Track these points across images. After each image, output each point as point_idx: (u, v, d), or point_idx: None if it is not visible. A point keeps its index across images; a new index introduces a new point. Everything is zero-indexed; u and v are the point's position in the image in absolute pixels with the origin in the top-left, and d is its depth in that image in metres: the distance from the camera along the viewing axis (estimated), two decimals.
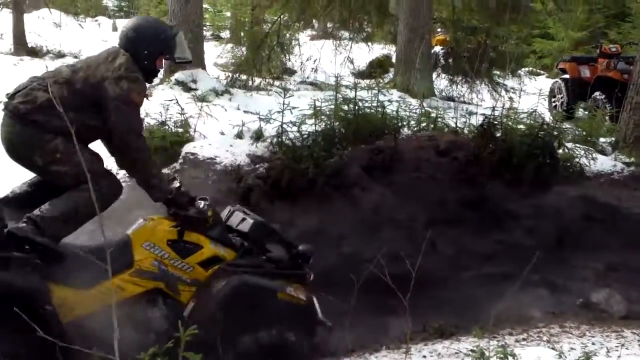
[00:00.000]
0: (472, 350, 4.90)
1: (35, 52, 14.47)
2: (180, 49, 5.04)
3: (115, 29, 23.21)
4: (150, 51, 4.86)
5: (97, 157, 4.89)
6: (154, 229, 4.82)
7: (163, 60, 5.01)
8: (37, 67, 12.40)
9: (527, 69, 19.34)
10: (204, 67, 12.40)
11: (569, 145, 8.78)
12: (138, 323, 4.48)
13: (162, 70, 5.46)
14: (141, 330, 4.48)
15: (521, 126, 8.48)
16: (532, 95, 11.62)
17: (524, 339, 5.66)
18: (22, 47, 14.60)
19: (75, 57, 15.01)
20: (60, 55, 14.72)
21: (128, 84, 4.66)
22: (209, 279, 4.82)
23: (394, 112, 8.61)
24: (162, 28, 5.03)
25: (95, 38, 19.87)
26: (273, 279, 5.00)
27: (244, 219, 5.18)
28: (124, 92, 4.62)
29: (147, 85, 5.09)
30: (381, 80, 15.48)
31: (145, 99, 5.09)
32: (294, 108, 8.05)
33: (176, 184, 4.93)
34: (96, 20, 24.46)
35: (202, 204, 4.94)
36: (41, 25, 18.87)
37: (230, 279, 4.82)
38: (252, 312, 4.76)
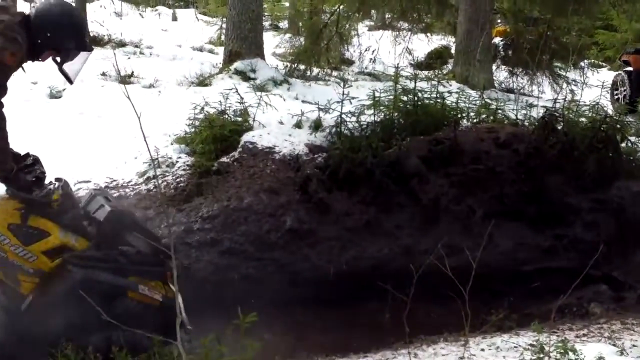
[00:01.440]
0: (531, 345, 4.86)
1: (96, 41, 14.58)
2: (75, 65, 4.61)
3: (175, 18, 23.41)
4: (51, 38, 4.38)
5: None
6: None
7: (50, 56, 4.48)
8: (98, 56, 12.61)
9: (588, 61, 18.99)
10: (262, 57, 12.43)
11: (632, 138, 8.62)
12: None
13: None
14: None
15: (583, 119, 8.35)
16: (594, 87, 11.42)
17: (584, 335, 5.58)
18: (87, 36, 14.78)
19: (136, 46, 15.19)
20: (121, 44, 14.86)
21: (3, 42, 4.12)
22: (53, 271, 4.30)
23: (454, 104, 8.55)
24: (79, 33, 4.56)
25: (155, 27, 20.07)
26: (126, 276, 4.45)
27: (102, 206, 4.59)
28: None
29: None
30: (440, 72, 15.35)
31: (20, 68, 4.43)
32: (353, 98, 8.03)
33: (29, 160, 4.46)
34: (156, 10, 24.66)
35: (55, 184, 4.46)
36: (103, 14, 19.10)
37: (74, 272, 4.28)
38: (96, 310, 3.88)
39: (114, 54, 11.63)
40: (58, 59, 4.50)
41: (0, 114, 4.20)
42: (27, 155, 4.52)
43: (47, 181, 4.51)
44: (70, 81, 4.75)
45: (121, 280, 4.42)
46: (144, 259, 4.53)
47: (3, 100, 4.20)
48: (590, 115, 8.40)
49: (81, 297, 3.91)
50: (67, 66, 4.57)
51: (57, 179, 4.51)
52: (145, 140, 3.22)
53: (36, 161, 4.50)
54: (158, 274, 4.52)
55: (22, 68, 4.40)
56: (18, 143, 4.51)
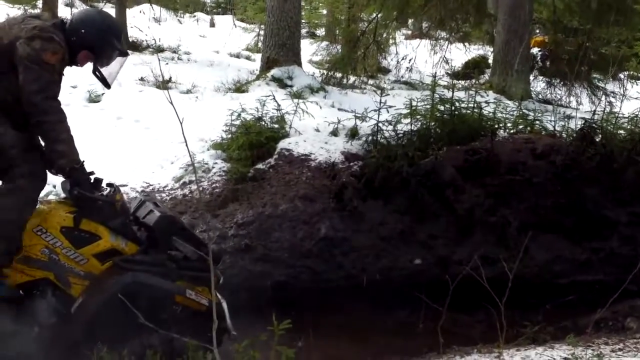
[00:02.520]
0: (566, 358, 4.81)
1: (135, 46, 14.73)
2: (111, 69, 4.68)
3: (212, 24, 23.58)
4: (87, 39, 4.45)
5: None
6: (47, 213, 4.35)
7: (86, 58, 4.55)
8: (137, 61, 12.74)
9: (628, 72, 18.79)
10: (300, 64, 12.48)
11: None
12: (21, 313, 4.16)
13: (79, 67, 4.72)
14: (24, 321, 4.15)
15: (621, 131, 8.25)
16: (633, 100, 11.30)
17: (620, 349, 5.50)
18: (123, 40, 14.93)
19: (174, 51, 15.32)
20: (159, 49, 15.00)
21: (41, 43, 4.21)
22: (103, 274, 4.34)
23: (491, 114, 8.50)
24: (114, 33, 4.60)
25: (193, 33, 20.24)
26: (173, 280, 4.47)
27: (151, 211, 4.62)
28: (35, 52, 4.18)
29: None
30: (477, 81, 15.29)
31: (77, 65, 4.61)
32: (389, 107, 8.03)
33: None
34: (194, 16, 24.85)
35: (108, 189, 4.50)
36: (142, 20, 19.30)
37: (123, 276, 4.32)
38: (144, 314, 4.06)
39: (159, 59, 11.77)
40: (94, 62, 4.56)
41: (60, 109, 4.29)
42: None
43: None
44: (108, 85, 4.83)
45: (169, 284, 4.44)
46: (191, 264, 4.54)
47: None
48: (629, 127, 8.31)
49: (129, 300, 4.00)
50: (104, 70, 4.64)
51: (109, 184, 4.55)
52: (186, 145, 3.26)
53: (84, 165, 4.48)
54: (205, 279, 4.38)
55: (104, 81, 4.59)
56: None
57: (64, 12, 14.45)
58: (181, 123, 2.96)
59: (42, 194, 5.41)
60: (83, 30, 4.43)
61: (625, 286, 4.97)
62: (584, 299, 6.81)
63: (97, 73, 4.65)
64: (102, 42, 4.50)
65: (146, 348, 4.19)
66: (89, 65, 4.61)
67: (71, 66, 4.57)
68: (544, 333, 5.82)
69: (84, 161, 4.36)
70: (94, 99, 9.98)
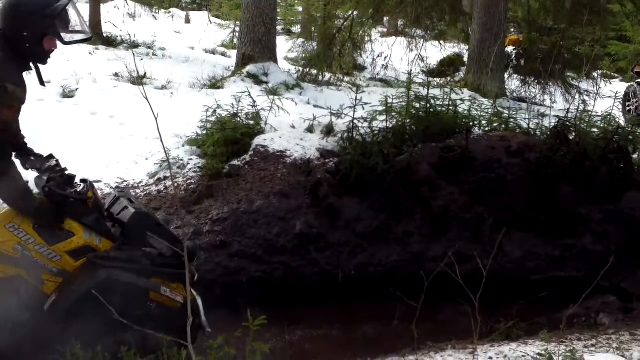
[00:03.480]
0: (539, 354, 4.83)
1: (110, 42, 14.66)
2: (73, 25, 4.28)
3: (188, 21, 23.53)
4: (33, 32, 4.04)
5: None
6: None
7: (51, 41, 4.15)
8: (111, 56, 12.66)
9: (601, 71, 18.95)
10: (275, 61, 12.48)
11: None
12: None
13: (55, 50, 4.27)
14: None
15: (595, 130, 8.33)
16: (606, 98, 11.40)
17: (592, 345, 5.54)
18: (97, 36, 14.78)
19: (149, 47, 15.24)
20: (134, 45, 14.93)
21: None
22: (77, 271, 4.25)
23: (466, 111, 8.55)
24: (45, 5, 4.06)
25: (168, 29, 20.17)
26: (148, 277, 4.41)
27: (126, 208, 4.58)
28: None
29: (42, 65, 4.24)
30: (452, 79, 15.36)
31: (40, 84, 4.26)
32: (365, 104, 8.04)
33: (52, 162, 4.43)
34: (170, 12, 24.78)
35: (81, 185, 4.42)
36: (116, 16, 19.21)
37: (97, 272, 4.25)
38: (118, 311, 3.94)
39: (134, 54, 11.71)
40: (58, 38, 4.18)
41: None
42: (51, 156, 4.51)
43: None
44: (90, 37, 4.55)
45: (144, 281, 4.39)
46: (166, 261, 4.49)
47: None
48: (602, 126, 8.39)
49: (103, 297, 3.92)
50: (69, 34, 4.28)
51: (83, 180, 4.48)
52: (161, 141, 3.23)
53: (58, 162, 4.49)
54: (180, 276, 4.40)
55: (41, 80, 4.28)
56: (31, 142, 4.53)
57: None
58: (156, 119, 2.94)
59: None
60: (24, 32, 4.04)
61: (598, 282, 5.00)
62: (557, 295, 6.86)
63: (68, 42, 4.31)
64: (46, 20, 4.05)
65: (120, 345, 4.15)
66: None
67: (47, 63, 4.28)
68: (517, 329, 5.86)
69: (57, 159, 4.34)
70: (67, 94, 9.90)
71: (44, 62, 4.23)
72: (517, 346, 5.40)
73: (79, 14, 4.38)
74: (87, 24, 4.52)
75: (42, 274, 4.21)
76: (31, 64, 4.19)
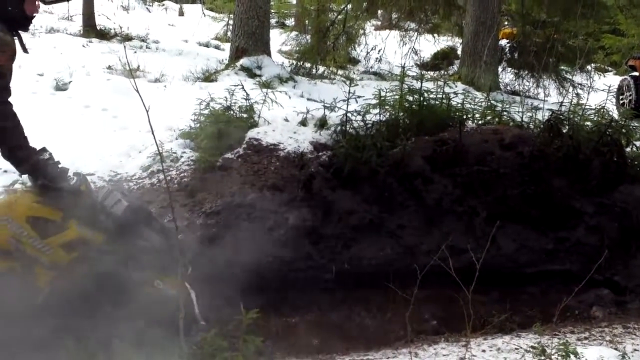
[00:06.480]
0: (532, 347, 4.84)
1: (103, 35, 14.63)
2: None
3: (181, 13, 23.47)
4: None
5: None
6: (13, 202, 4.34)
7: (33, 3, 4.19)
8: (105, 49, 12.63)
9: (595, 65, 18.98)
10: (269, 54, 12.46)
11: (638, 143, 8.60)
12: None
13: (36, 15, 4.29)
14: None
15: (588, 123, 8.33)
16: (600, 92, 11.42)
17: (585, 338, 5.57)
18: (91, 29, 14.78)
19: (142, 40, 15.21)
20: (127, 38, 14.90)
21: None
22: (70, 264, 4.26)
23: (459, 105, 8.55)
24: None
25: (161, 22, 20.12)
26: (141, 270, 4.44)
27: (119, 201, 4.57)
28: None
29: (24, 32, 4.29)
30: (446, 72, 15.37)
31: (23, 52, 4.26)
32: (358, 97, 8.03)
33: (46, 155, 4.37)
34: (163, 5, 24.71)
35: (74, 178, 4.44)
36: (110, 8, 19.15)
37: (90, 266, 4.27)
38: (111, 304, 4.12)
39: (126, 47, 11.69)
40: (38, 3, 4.24)
41: (13, 113, 4.15)
42: (44, 149, 4.46)
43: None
44: None
45: (137, 274, 4.40)
46: (159, 254, 4.51)
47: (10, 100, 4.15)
48: (595, 119, 8.40)
49: (97, 291, 3.99)
50: None
51: (76, 173, 4.49)
52: (153, 134, 3.22)
53: (51, 155, 4.45)
54: (173, 269, 4.44)
55: (24, 47, 4.25)
56: None
57: None
58: (147, 111, 2.93)
59: (7, 182, 5.35)
60: None
61: (591, 275, 5.02)
62: (550, 288, 6.88)
63: (49, 2, 4.41)
64: None
65: (114, 338, 4.15)
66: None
67: (28, 30, 4.31)
68: (510, 322, 5.87)
69: (49, 152, 4.32)
70: (60, 87, 9.86)
71: (26, 29, 4.24)
72: (510, 339, 5.42)
73: None
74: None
75: (35, 267, 4.19)
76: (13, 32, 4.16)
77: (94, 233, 4.40)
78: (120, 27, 15.30)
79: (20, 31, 4.24)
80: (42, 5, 4.33)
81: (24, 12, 4.11)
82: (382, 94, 8.14)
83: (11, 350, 4.06)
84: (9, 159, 4.23)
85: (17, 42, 4.17)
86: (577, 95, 13.76)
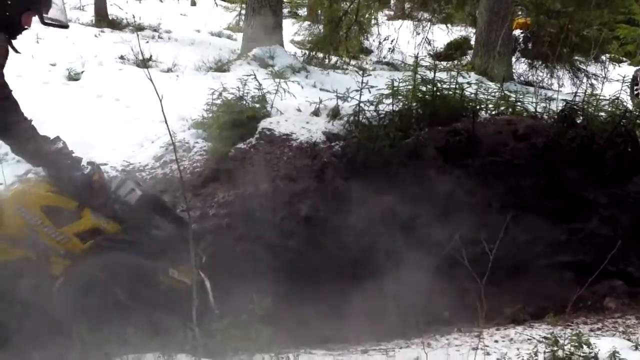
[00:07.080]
0: (545, 337, 4.84)
1: (115, 24, 14.61)
2: (55, 9, 4.35)
3: (193, 3, 23.44)
4: (17, 2, 4.16)
5: None
6: (28, 191, 4.39)
7: (29, 17, 4.24)
8: (117, 39, 12.63)
9: (609, 55, 18.86)
10: (281, 44, 12.43)
11: None
12: (3, 292, 4.14)
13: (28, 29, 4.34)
14: (6, 299, 4.14)
15: (602, 113, 8.28)
16: (614, 82, 11.34)
17: (598, 329, 5.57)
18: (103, 19, 14.78)
19: (155, 30, 15.21)
20: (139, 28, 14.88)
21: None
22: (85, 253, 4.30)
23: (472, 95, 8.51)
24: None
25: (174, 12, 20.09)
26: (155, 259, 4.47)
27: (132, 190, 4.61)
28: None
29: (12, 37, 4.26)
30: (459, 63, 15.31)
31: (24, 29, 4.30)
32: (371, 87, 8.00)
33: (59, 144, 4.39)
34: None
35: (88, 168, 4.48)
36: None
37: (105, 255, 4.32)
38: (125, 293, 4.14)
39: (138, 37, 11.68)
40: (39, 16, 4.28)
41: (17, 107, 4.18)
42: (58, 138, 4.48)
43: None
44: (65, 25, 4.61)
45: (151, 263, 4.43)
46: (173, 243, 4.52)
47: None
48: (609, 109, 8.34)
49: (111, 280, 4.02)
50: (51, 14, 4.36)
51: (90, 163, 4.54)
52: (166, 123, 3.22)
53: (65, 145, 4.47)
54: (187, 258, 4.35)
55: (15, 49, 4.24)
56: (37, 125, 4.52)
57: None
58: (160, 101, 2.94)
59: (21, 172, 5.37)
60: (9, 1, 4.14)
61: (604, 266, 5.00)
62: (563, 279, 6.86)
63: (47, 22, 4.39)
64: None
65: (128, 327, 4.12)
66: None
67: (16, 38, 4.28)
68: (523, 313, 5.87)
69: (63, 141, 4.34)
70: (73, 77, 9.87)
71: (14, 37, 4.24)
72: (523, 329, 5.42)
73: (63, 3, 4.46)
74: (67, 15, 4.58)
75: (51, 256, 4.23)
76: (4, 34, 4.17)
77: (108, 222, 4.43)
78: (133, 17, 15.25)
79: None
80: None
81: (20, 22, 4.19)
82: (395, 84, 8.11)
83: (26, 338, 4.08)
84: (21, 155, 4.32)
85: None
86: (591, 85, 13.66)
